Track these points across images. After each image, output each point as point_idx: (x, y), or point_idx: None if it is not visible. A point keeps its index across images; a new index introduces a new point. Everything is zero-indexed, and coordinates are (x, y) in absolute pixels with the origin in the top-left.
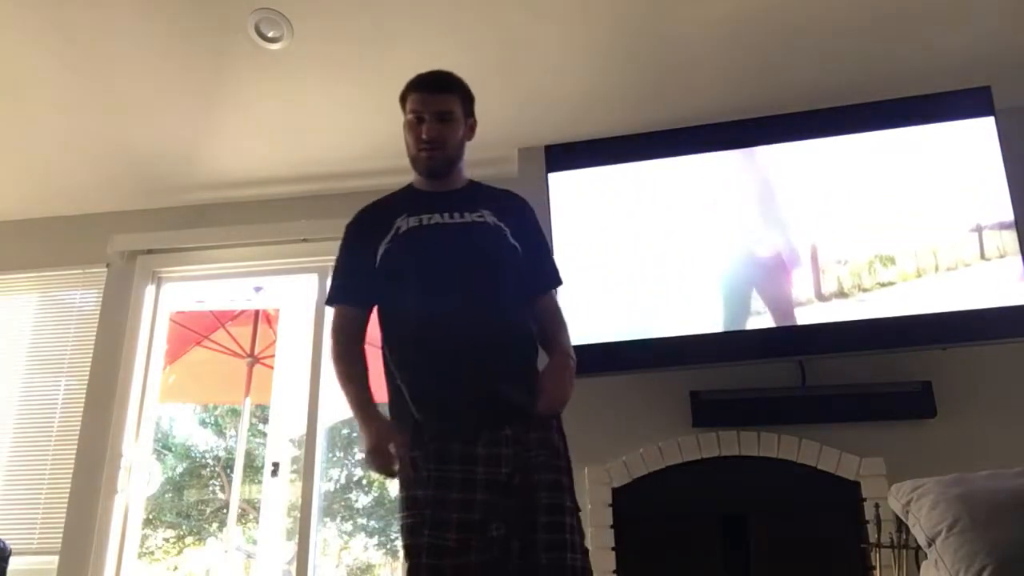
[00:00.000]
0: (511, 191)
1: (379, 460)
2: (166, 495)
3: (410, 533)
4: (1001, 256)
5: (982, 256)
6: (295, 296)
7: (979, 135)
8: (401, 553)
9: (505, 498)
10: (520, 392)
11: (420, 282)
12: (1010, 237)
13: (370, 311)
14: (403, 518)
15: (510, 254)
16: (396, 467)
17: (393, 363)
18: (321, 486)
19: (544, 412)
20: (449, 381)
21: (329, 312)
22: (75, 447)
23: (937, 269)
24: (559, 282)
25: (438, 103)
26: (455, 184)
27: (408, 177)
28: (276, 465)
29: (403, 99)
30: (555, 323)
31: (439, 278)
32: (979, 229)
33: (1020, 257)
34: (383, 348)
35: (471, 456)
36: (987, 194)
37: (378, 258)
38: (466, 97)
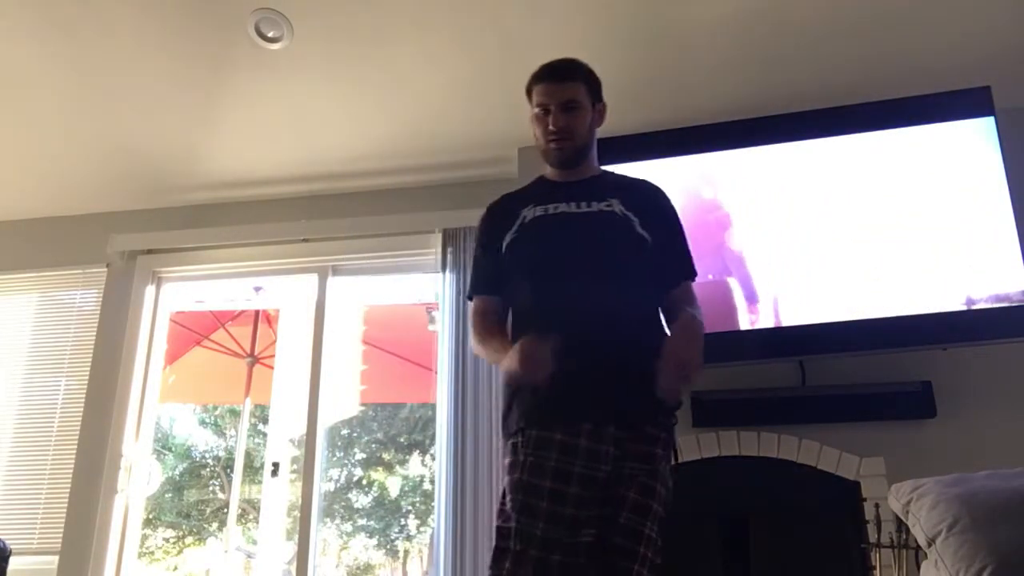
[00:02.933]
0: (646, 180)
1: (531, 363)
2: (166, 495)
3: (502, 517)
4: None
5: None
6: (295, 296)
7: (979, 135)
8: (494, 536)
9: (600, 502)
10: (634, 390)
11: (540, 271)
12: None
13: (504, 304)
14: (501, 502)
15: (636, 245)
16: (548, 365)
17: None
18: (321, 486)
19: (667, 383)
20: (558, 372)
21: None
22: (75, 447)
23: None
24: (692, 274)
25: (563, 92)
26: (585, 173)
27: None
28: (276, 465)
29: (528, 91)
30: (685, 305)
31: (558, 267)
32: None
33: (1020, 258)
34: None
35: (571, 447)
36: (987, 194)
37: (503, 248)
38: (592, 83)
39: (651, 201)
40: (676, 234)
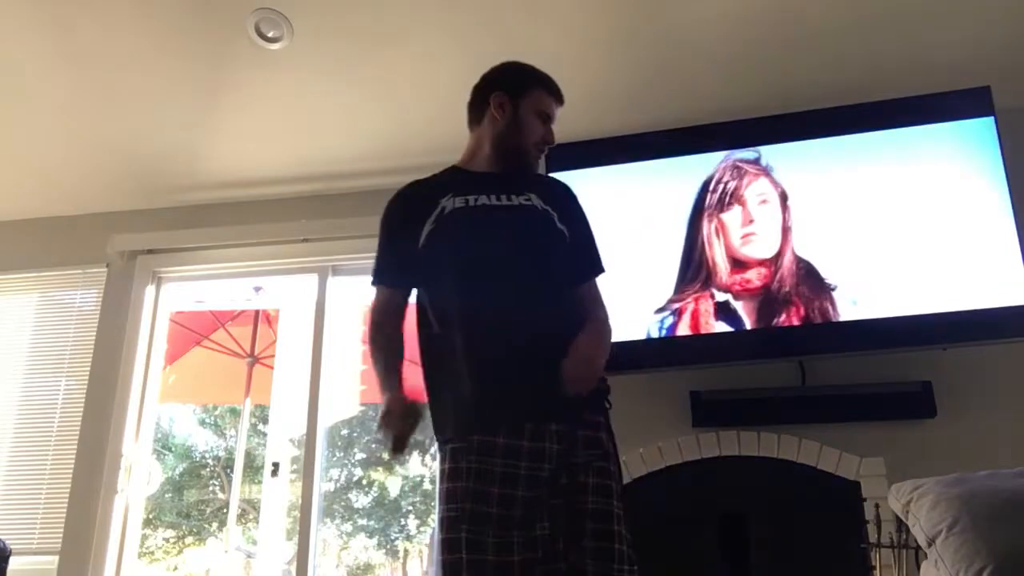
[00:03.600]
0: (554, 178)
1: (388, 428)
2: (166, 495)
3: (449, 527)
4: None
5: None
6: (295, 296)
7: (979, 135)
8: (437, 548)
9: (551, 496)
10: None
11: (465, 266)
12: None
13: (408, 293)
14: (442, 511)
15: (558, 239)
16: (403, 439)
17: (433, 351)
18: (321, 486)
19: (570, 384)
20: (493, 371)
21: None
22: (75, 447)
23: None
24: (601, 270)
25: (557, 113)
26: (502, 168)
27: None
28: (276, 465)
29: (528, 88)
30: (593, 306)
31: (485, 262)
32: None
33: (1020, 259)
34: (420, 336)
35: (515, 450)
36: (987, 194)
37: (421, 239)
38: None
39: (564, 197)
40: (587, 230)
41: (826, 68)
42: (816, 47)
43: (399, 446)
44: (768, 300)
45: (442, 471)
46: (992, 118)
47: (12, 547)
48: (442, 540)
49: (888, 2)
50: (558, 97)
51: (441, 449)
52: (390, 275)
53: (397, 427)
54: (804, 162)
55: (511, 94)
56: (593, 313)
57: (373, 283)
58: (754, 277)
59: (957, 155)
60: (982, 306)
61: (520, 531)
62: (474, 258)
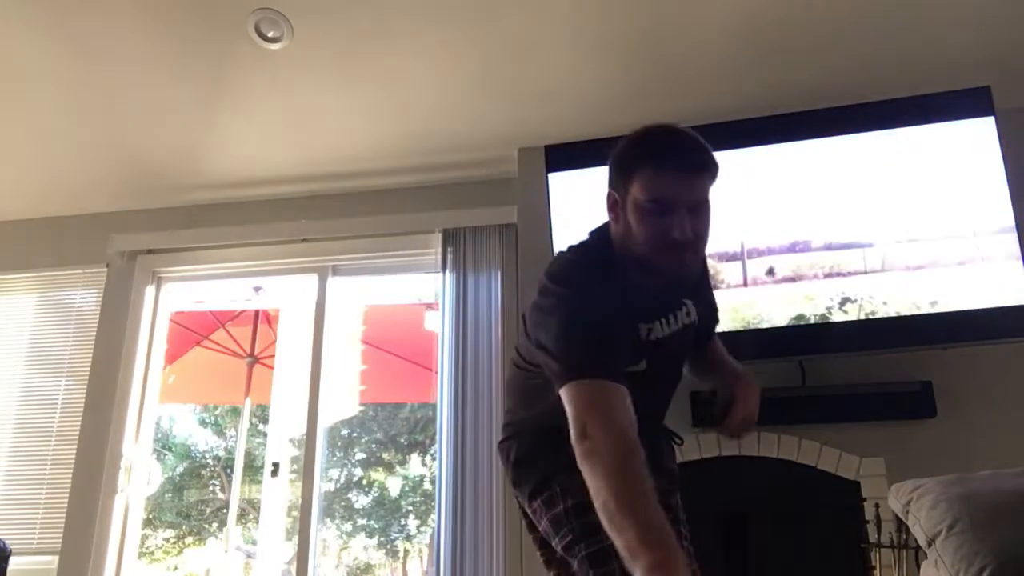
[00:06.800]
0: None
1: None
2: (166, 495)
3: (603, 561)
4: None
5: None
6: (295, 296)
7: (979, 135)
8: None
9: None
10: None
11: (643, 387)
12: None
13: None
14: (593, 544)
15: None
16: None
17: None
18: (321, 486)
19: (733, 431)
20: None
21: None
22: (75, 447)
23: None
24: (718, 321)
25: (697, 190)
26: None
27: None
28: (276, 465)
29: (631, 174)
30: (723, 351)
31: (652, 389)
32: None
33: (1020, 259)
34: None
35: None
36: (987, 195)
37: (628, 352)
38: (717, 174)
39: (703, 277)
40: (710, 287)
41: (826, 68)
42: (815, 48)
43: None
44: None
45: (572, 504)
46: (992, 118)
47: (12, 547)
48: (602, 574)
49: (888, 2)
50: (679, 166)
51: (559, 484)
52: (617, 369)
53: None
54: (804, 162)
55: (618, 190)
56: (732, 361)
57: (582, 374)
58: None
59: (957, 155)
60: (982, 306)
61: None
62: (649, 383)
